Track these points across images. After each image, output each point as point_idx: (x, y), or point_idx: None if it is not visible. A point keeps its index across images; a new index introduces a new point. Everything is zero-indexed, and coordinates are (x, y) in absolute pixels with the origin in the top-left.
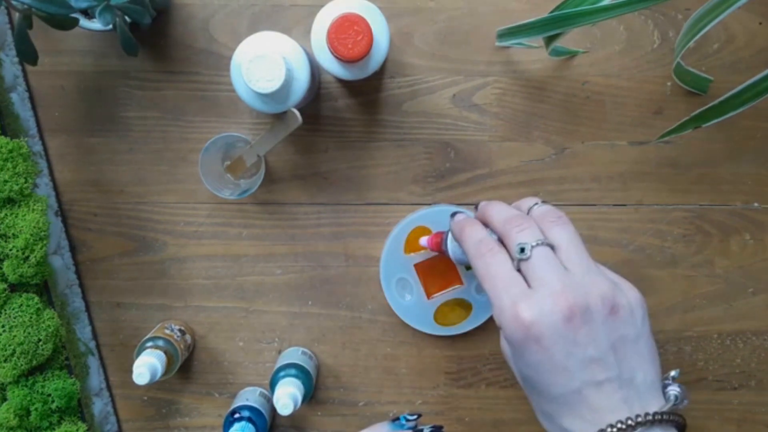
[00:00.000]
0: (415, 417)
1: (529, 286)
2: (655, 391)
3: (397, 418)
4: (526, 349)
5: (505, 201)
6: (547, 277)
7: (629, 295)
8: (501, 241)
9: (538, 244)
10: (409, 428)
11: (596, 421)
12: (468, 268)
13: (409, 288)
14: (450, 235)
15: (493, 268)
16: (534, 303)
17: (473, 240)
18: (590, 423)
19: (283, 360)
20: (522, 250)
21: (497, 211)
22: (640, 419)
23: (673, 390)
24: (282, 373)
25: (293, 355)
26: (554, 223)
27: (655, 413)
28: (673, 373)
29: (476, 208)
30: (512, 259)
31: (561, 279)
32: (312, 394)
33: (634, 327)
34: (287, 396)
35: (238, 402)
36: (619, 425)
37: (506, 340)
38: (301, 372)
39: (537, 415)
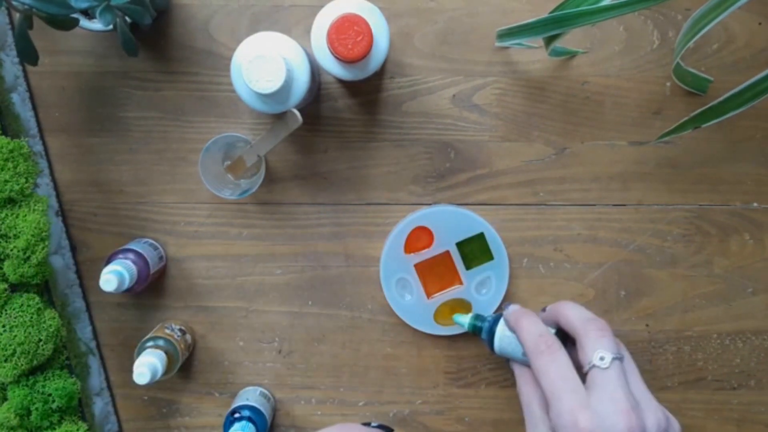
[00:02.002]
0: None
1: (589, 391)
2: None
3: (368, 423)
4: None
5: (506, 200)
6: (617, 393)
7: (675, 426)
8: (565, 340)
9: (616, 358)
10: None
11: None
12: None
13: (409, 288)
14: (500, 324)
15: (556, 365)
16: (598, 415)
17: (533, 333)
18: None
19: (239, 400)
20: (602, 358)
21: (575, 308)
22: None
23: None
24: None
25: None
26: (619, 344)
27: None
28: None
29: (543, 310)
30: (585, 361)
31: (627, 398)
32: None
33: None
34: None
35: (238, 402)
36: None
37: None
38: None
39: None
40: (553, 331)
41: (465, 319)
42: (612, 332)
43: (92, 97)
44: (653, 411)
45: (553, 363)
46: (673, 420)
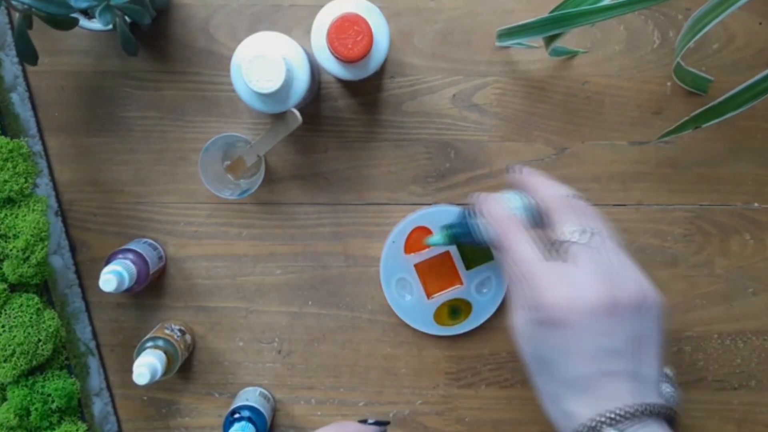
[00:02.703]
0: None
1: (563, 265)
2: (655, 386)
3: (365, 420)
4: (550, 330)
5: None
6: (592, 264)
7: (655, 295)
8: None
9: (587, 232)
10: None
11: (598, 406)
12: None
13: (409, 288)
14: (469, 214)
15: (521, 247)
16: (572, 287)
17: (498, 216)
18: (592, 408)
19: (239, 400)
20: (579, 232)
21: (548, 183)
22: (638, 408)
23: (667, 389)
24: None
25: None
26: (594, 215)
27: (653, 404)
28: (667, 371)
29: (508, 170)
30: (555, 238)
31: (604, 269)
32: None
33: (652, 326)
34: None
35: (238, 402)
36: (617, 411)
37: (531, 316)
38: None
39: (540, 395)
40: (520, 204)
41: (437, 236)
42: (585, 207)
43: (92, 96)
44: (633, 280)
45: (520, 244)
46: (651, 292)
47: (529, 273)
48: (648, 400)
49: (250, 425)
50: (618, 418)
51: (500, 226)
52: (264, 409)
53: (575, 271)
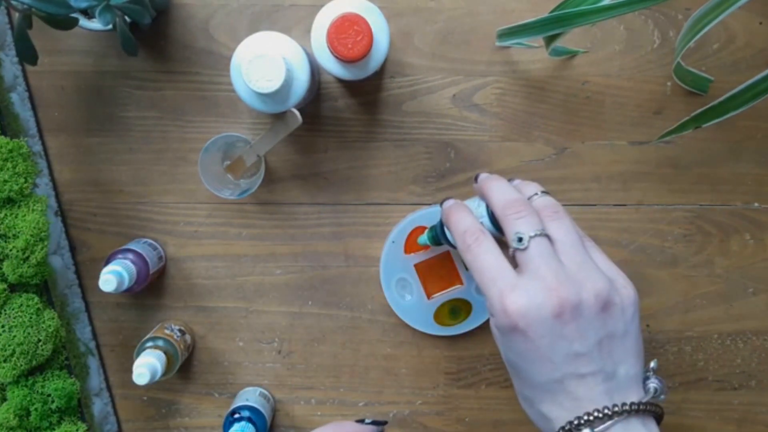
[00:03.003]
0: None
1: (519, 274)
2: (636, 384)
3: (362, 420)
4: (513, 338)
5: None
6: (542, 270)
7: (623, 292)
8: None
9: (536, 235)
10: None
11: (574, 409)
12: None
13: (409, 288)
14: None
15: (482, 257)
16: (524, 295)
17: (460, 229)
18: (568, 411)
19: (239, 400)
20: (520, 239)
21: (498, 190)
22: (617, 409)
23: (653, 383)
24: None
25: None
26: (553, 215)
27: (632, 403)
28: (652, 364)
29: (476, 179)
30: (507, 245)
31: (555, 273)
32: None
33: (623, 324)
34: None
35: (238, 402)
36: (596, 413)
37: (496, 323)
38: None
39: (518, 398)
40: (485, 211)
41: (423, 236)
42: (535, 211)
43: (92, 96)
44: (590, 280)
45: (480, 254)
46: (622, 284)
47: (491, 281)
48: (627, 399)
49: (250, 425)
50: (594, 420)
51: (462, 237)
52: (264, 409)
53: (525, 279)
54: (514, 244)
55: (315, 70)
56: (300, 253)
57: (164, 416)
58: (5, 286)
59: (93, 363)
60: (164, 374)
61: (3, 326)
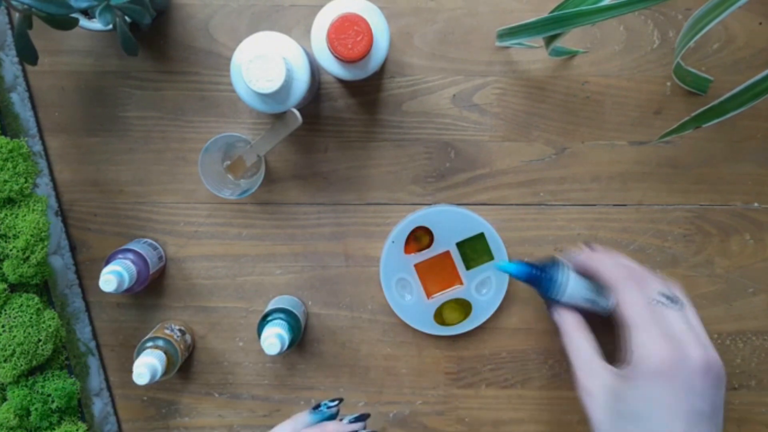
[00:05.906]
0: (335, 403)
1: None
2: None
3: (318, 406)
4: (655, 383)
5: (506, 200)
6: (697, 329)
7: (722, 366)
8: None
9: (683, 302)
10: (330, 415)
11: None
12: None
13: (409, 288)
14: (566, 270)
15: (642, 295)
16: (682, 344)
17: (614, 264)
18: None
19: (272, 305)
20: (677, 300)
21: (614, 258)
22: None
23: None
24: (270, 317)
25: (283, 300)
26: (680, 289)
27: None
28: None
29: (585, 244)
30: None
31: (706, 336)
32: (299, 340)
33: (722, 396)
34: (274, 336)
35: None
36: None
37: (635, 369)
38: (289, 316)
39: None
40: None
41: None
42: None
43: (92, 96)
44: (710, 348)
45: (641, 292)
46: (721, 363)
47: (644, 324)
48: None
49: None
50: None
51: (612, 274)
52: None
53: (675, 330)
54: (668, 302)
55: (315, 70)
56: (300, 253)
57: (164, 416)
58: (5, 286)
59: (93, 363)
60: (164, 374)
61: (3, 326)
